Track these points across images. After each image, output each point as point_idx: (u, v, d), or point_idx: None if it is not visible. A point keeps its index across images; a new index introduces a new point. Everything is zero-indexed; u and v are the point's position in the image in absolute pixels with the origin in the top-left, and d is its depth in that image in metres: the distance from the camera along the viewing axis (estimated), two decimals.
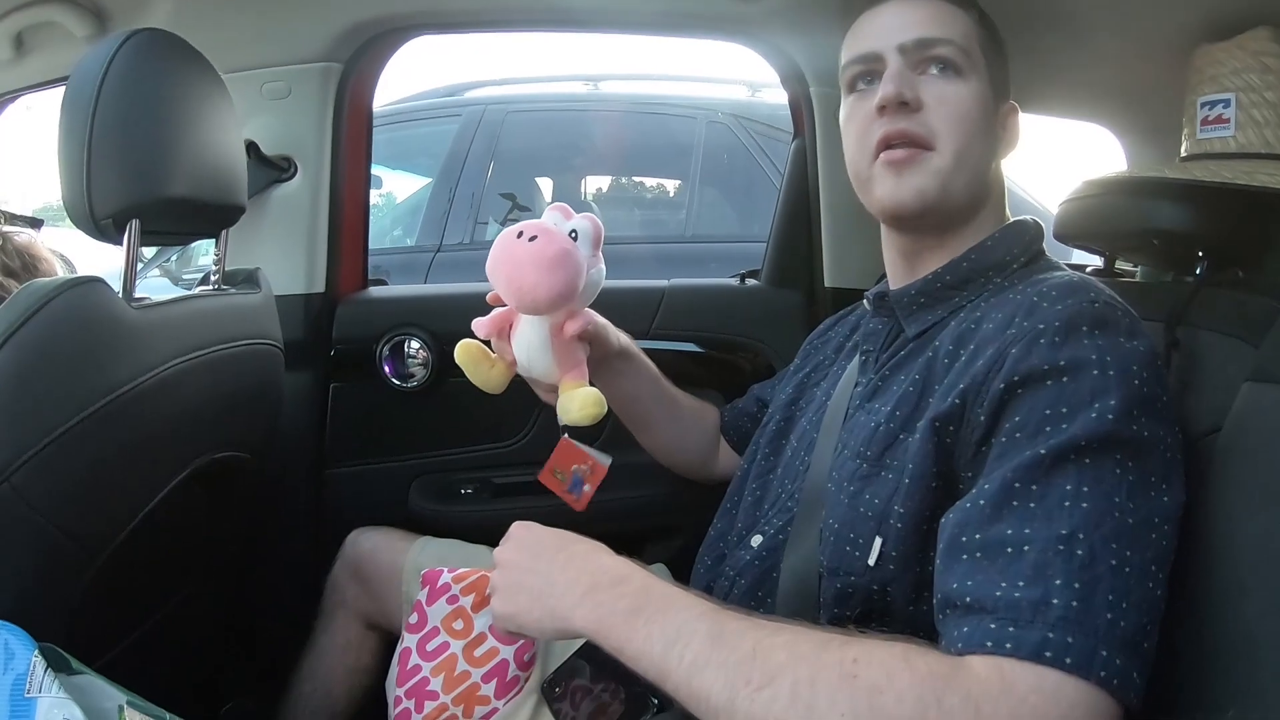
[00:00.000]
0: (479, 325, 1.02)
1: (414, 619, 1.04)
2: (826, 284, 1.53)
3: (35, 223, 1.73)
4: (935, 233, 0.87)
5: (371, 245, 1.62)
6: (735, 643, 0.64)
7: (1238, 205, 0.85)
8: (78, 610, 0.87)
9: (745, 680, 0.61)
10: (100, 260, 1.26)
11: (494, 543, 1.20)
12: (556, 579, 0.76)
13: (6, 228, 1.64)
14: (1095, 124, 1.46)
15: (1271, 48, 0.90)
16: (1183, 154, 0.97)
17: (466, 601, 1.04)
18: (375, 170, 1.72)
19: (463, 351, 1.03)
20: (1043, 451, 0.64)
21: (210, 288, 1.15)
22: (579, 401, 0.99)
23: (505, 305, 1.01)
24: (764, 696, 0.60)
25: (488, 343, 1.04)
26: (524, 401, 1.09)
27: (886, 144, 0.83)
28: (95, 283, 0.85)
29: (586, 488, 1.12)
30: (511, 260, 0.93)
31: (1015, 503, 0.64)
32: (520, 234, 0.93)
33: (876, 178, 0.85)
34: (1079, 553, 0.60)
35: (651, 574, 0.74)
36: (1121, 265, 1.14)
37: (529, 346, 1.00)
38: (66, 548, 0.84)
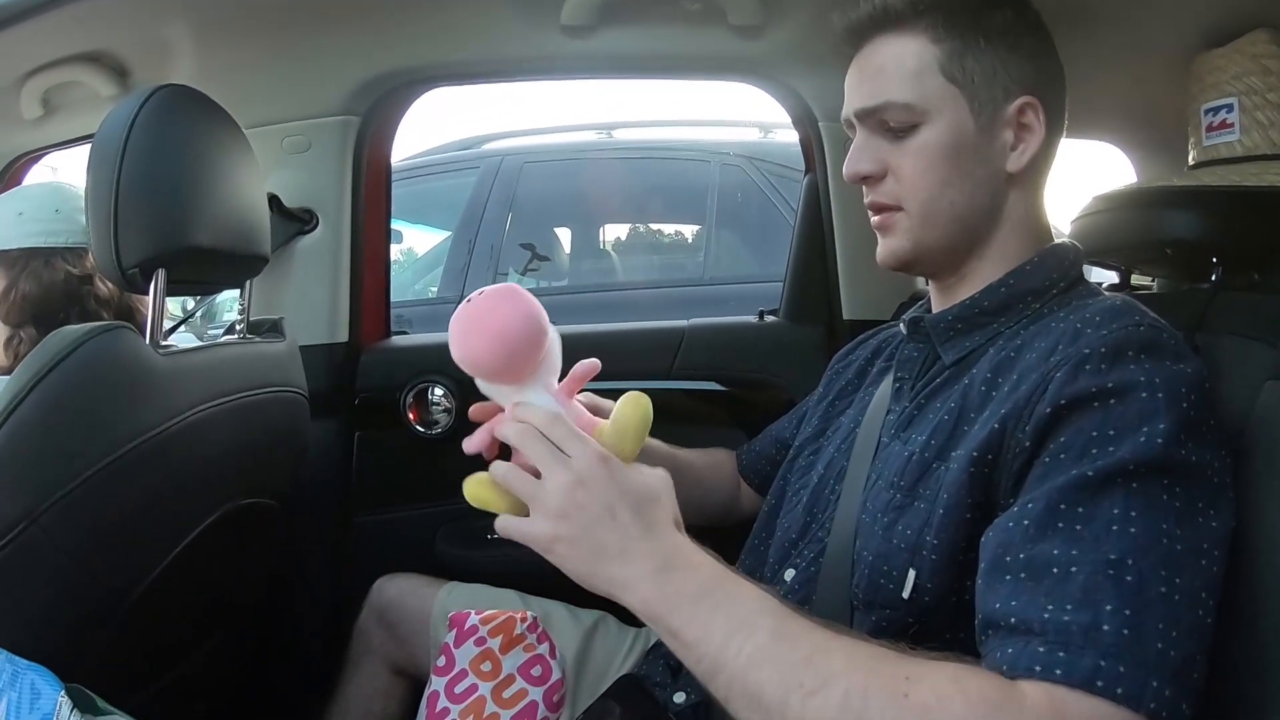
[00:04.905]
0: (470, 445, 0.77)
1: (441, 662, 1.04)
2: (845, 316, 1.53)
3: None
4: (945, 273, 0.86)
5: (393, 298, 1.65)
6: (796, 642, 0.62)
7: (1248, 207, 0.85)
8: (105, 654, 0.87)
9: (799, 683, 0.60)
10: None
11: (521, 587, 1.20)
12: (630, 547, 0.67)
13: None
14: (1102, 141, 1.46)
15: (1271, 49, 0.90)
16: (1190, 162, 0.97)
17: (494, 643, 1.03)
18: (394, 225, 1.75)
19: (474, 490, 0.73)
20: (1090, 473, 0.63)
21: (236, 336, 1.17)
22: (622, 418, 0.73)
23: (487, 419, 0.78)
24: (815, 702, 0.59)
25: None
26: None
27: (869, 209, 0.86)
28: (122, 329, 0.87)
29: None
30: (461, 319, 0.72)
31: (1060, 524, 0.62)
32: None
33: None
34: (1129, 579, 0.59)
35: (722, 563, 0.69)
36: (1139, 280, 1.14)
37: None
38: (94, 590, 0.85)
